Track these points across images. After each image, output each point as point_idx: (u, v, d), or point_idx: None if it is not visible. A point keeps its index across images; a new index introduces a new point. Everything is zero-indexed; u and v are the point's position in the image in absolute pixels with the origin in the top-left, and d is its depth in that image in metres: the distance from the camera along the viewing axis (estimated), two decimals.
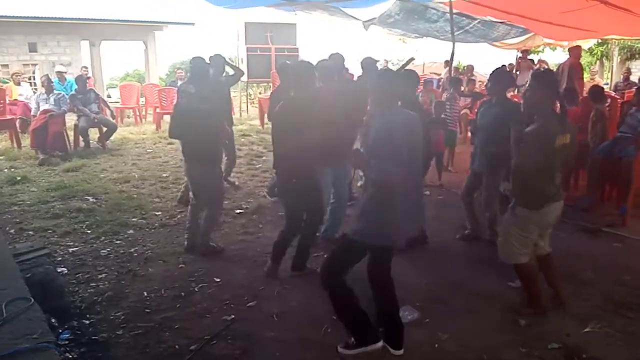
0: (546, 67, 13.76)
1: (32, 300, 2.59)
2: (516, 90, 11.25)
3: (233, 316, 3.41)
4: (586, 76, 17.51)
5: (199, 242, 4.51)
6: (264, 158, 8.18)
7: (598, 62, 20.80)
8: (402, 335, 2.98)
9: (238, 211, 5.59)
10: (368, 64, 5.91)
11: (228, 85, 6.63)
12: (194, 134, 4.29)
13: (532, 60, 13.46)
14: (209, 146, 4.33)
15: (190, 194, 4.67)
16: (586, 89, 10.95)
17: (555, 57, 20.10)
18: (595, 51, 20.10)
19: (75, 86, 9.56)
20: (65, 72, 12.13)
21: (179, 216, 5.45)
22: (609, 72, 19.83)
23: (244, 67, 11.48)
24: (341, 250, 3.02)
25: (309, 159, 3.81)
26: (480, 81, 14.10)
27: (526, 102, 3.50)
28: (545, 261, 3.50)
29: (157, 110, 11.77)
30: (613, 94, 10.44)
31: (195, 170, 4.42)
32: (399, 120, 2.83)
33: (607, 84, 16.67)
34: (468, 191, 4.81)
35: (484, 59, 18.16)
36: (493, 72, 4.89)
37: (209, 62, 5.41)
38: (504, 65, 6.84)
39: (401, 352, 2.95)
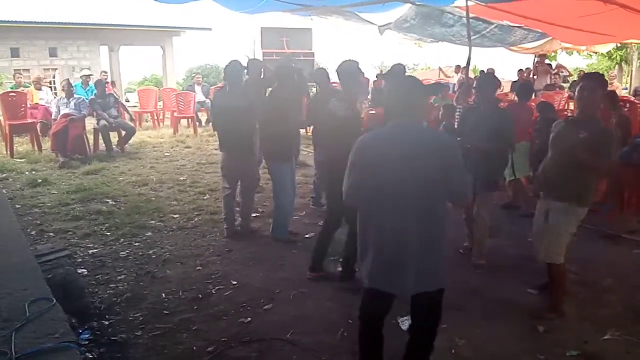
0: (565, 71, 13.63)
1: (54, 300, 2.64)
2: (534, 95, 11.15)
3: (249, 319, 3.43)
4: None
5: (241, 225, 5.09)
6: None
7: (617, 66, 20.54)
8: None
9: (254, 214, 5.61)
10: (397, 71, 5.81)
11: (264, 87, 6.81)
12: (233, 128, 4.82)
13: (549, 65, 13.34)
14: (246, 138, 4.83)
15: (226, 183, 5.10)
16: None
17: (571, 61, 19.92)
18: (614, 55, 19.86)
19: (95, 90, 9.72)
20: (91, 75, 12.31)
21: (196, 219, 5.51)
22: (628, 76, 19.57)
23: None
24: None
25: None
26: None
27: (583, 103, 3.28)
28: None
29: (175, 114, 11.90)
30: (632, 98, 10.29)
31: (233, 160, 4.93)
32: (375, 137, 2.45)
33: (626, 88, 16.44)
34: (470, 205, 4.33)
35: (501, 63, 18.03)
36: (481, 76, 4.64)
37: (246, 66, 5.67)
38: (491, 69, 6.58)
39: None
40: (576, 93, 3.30)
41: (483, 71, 14.66)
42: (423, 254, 2.32)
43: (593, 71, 7.42)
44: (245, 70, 5.40)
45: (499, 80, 4.89)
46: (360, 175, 2.40)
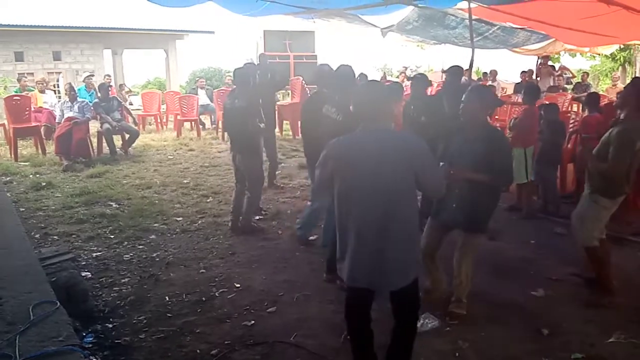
0: (568, 73, 13.60)
1: (58, 303, 2.64)
2: None
3: (253, 321, 3.43)
4: (608, 82, 17.28)
5: (242, 222, 5.20)
6: (281, 165, 8.18)
7: (621, 67, 20.49)
8: None
9: (257, 217, 5.62)
10: (454, 72, 5.74)
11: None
12: (236, 128, 5.13)
13: (552, 67, 13.32)
14: (247, 138, 5.02)
15: (236, 180, 5.34)
16: (609, 95, 10.82)
17: (575, 63, 19.88)
18: (618, 57, 19.80)
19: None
20: (93, 76, 12.35)
21: (199, 222, 5.51)
22: (631, 77, 19.49)
23: None
24: None
25: None
26: (503, 87, 13.95)
27: (617, 104, 3.82)
28: (602, 244, 3.84)
29: (178, 117, 11.93)
30: None
31: (238, 159, 5.14)
32: (348, 141, 2.52)
33: None
34: (432, 249, 3.61)
35: (504, 65, 18.00)
36: (470, 89, 3.60)
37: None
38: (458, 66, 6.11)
39: None
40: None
41: (484, 75, 14.64)
42: (398, 250, 2.44)
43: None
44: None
45: (494, 97, 3.87)
46: (331, 174, 2.52)
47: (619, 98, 3.87)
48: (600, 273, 3.83)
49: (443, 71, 7.16)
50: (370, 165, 2.39)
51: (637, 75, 17.80)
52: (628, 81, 18.80)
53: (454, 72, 5.75)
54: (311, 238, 4.96)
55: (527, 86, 7.21)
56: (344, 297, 2.98)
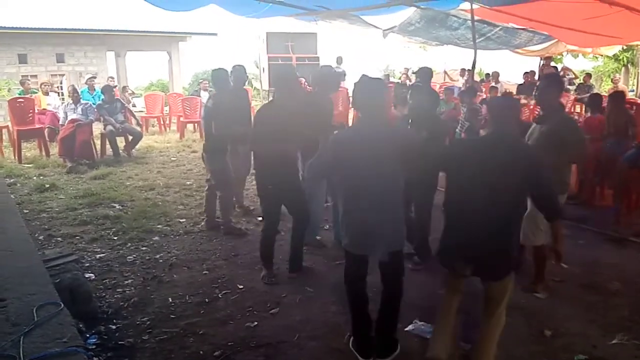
0: (570, 74, 13.57)
1: (62, 305, 2.65)
2: None
3: (256, 323, 3.44)
4: (610, 83, 17.26)
5: (222, 225, 5.24)
6: None
7: (624, 68, 20.44)
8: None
9: (260, 218, 5.62)
10: (423, 74, 5.60)
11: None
12: (205, 128, 5.19)
13: (555, 68, 13.30)
14: (210, 138, 5.08)
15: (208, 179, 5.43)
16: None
17: (577, 64, 19.83)
18: (621, 57, 19.76)
19: (102, 96, 9.78)
20: (95, 77, 12.38)
21: (202, 223, 5.52)
22: (634, 78, 19.49)
23: (265, 76, 11.59)
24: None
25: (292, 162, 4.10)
26: (506, 89, 13.94)
27: (538, 100, 3.99)
28: None
29: (181, 119, 11.95)
30: (639, 101, 10.24)
31: (206, 159, 5.24)
32: (351, 134, 3.03)
33: (632, 90, 16.37)
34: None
35: (507, 66, 17.95)
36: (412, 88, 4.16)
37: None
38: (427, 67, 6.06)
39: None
40: None
41: (486, 76, 14.60)
42: (391, 224, 2.85)
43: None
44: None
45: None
46: (334, 160, 2.90)
47: (538, 94, 3.93)
48: (541, 269, 3.90)
49: (413, 72, 7.10)
50: (368, 153, 2.75)
51: None
52: (631, 82, 18.77)
53: (424, 73, 5.64)
54: (318, 237, 4.93)
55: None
56: (346, 299, 3.02)
